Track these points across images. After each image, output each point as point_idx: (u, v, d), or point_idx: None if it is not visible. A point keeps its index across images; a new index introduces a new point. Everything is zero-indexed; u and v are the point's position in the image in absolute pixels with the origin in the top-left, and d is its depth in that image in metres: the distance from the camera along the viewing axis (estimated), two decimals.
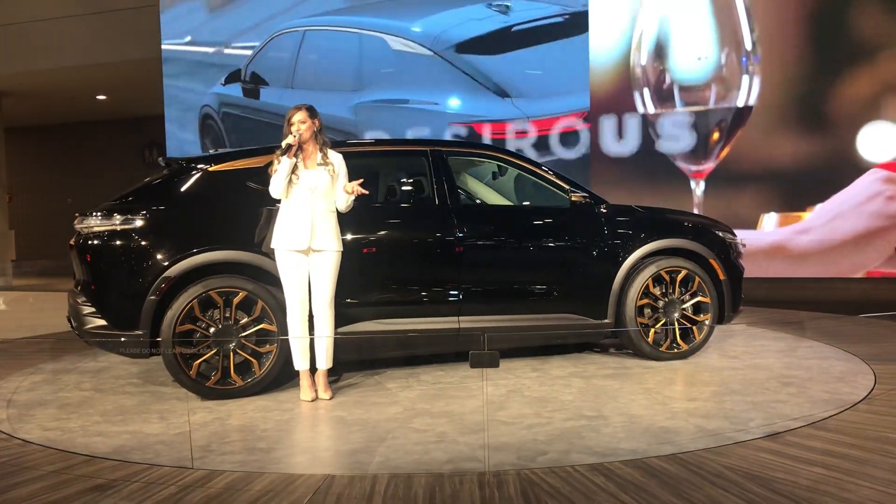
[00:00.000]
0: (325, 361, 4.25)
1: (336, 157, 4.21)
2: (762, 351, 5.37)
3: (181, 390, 4.36)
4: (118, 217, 4.28)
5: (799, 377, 4.49)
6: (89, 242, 4.31)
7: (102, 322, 4.26)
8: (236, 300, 4.23)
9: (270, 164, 4.18)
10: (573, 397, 4.19)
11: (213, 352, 4.21)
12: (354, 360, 4.85)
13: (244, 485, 2.89)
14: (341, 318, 4.33)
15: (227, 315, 4.23)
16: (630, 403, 4.04)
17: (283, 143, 4.06)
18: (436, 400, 4.17)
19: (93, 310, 4.28)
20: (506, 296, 4.89)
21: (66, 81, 14.02)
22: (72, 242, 4.47)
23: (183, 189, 4.48)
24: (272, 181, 4.09)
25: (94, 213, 4.34)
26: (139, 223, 4.26)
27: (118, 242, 4.26)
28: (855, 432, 3.37)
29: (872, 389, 4.12)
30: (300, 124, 4.10)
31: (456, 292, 4.72)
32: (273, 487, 2.86)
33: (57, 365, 5.41)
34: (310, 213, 4.08)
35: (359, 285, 4.46)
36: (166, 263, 4.20)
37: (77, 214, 4.48)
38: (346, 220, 4.30)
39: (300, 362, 4.22)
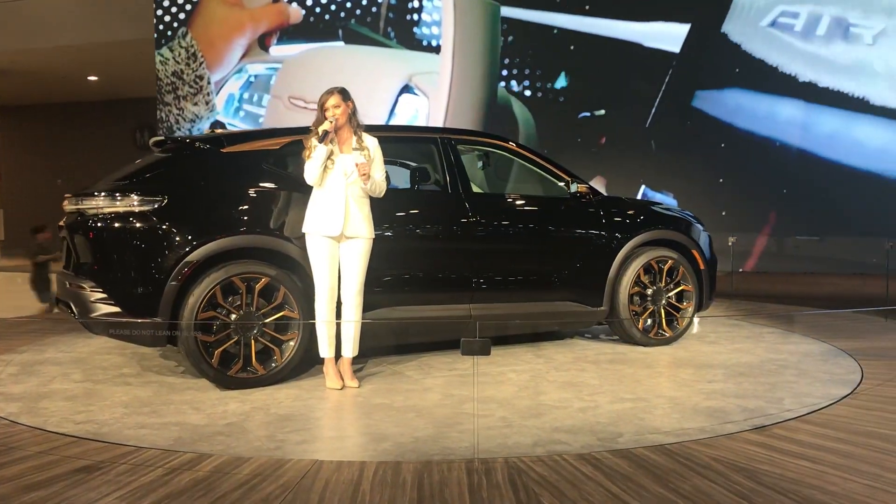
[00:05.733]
0: (351, 349, 4.18)
1: (371, 142, 4.10)
2: (743, 341, 5.42)
3: (189, 380, 4.30)
4: (136, 198, 4.03)
5: (792, 363, 4.57)
6: (99, 224, 4.06)
7: (114, 309, 4.02)
8: (258, 286, 4.10)
9: (290, 145, 4.09)
10: (599, 381, 4.24)
11: (233, 340, 4.07)
12: (367, 347, 4.74)
13: (232, 468, 2.89)
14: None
15: (249, 301, 4.10)
16: (658, 386, 4.13)
17: (320, 130, 3.93)
18: (467, 386, 4.14)
19: (102, 296, 4.03)
20: (517, 283, 4.94)
21: (57, 61, 13.90)
22: (64, 223, 4.27)
23: (198, 170, 4.32)
24: (307, 168, 3.98)
25: (100, 193, 4.09)
26: (159, 204, 4.03)
27: (138, 224, 4.01)
28: (841, 426, 3.39)
29: (859, 384, 4.15)
30: (334, 109, 3.98)
31: (468, 280, 4.73)
32: (262, 471, 2.85)
33: (22, 356, 5.08)
34: (344, 199, 3.99)
35: (372, 272, 4.32)
36: (189, 248, 4.00)
37: (68, 195, 4.27)
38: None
39: (326, 349, 4.14)
